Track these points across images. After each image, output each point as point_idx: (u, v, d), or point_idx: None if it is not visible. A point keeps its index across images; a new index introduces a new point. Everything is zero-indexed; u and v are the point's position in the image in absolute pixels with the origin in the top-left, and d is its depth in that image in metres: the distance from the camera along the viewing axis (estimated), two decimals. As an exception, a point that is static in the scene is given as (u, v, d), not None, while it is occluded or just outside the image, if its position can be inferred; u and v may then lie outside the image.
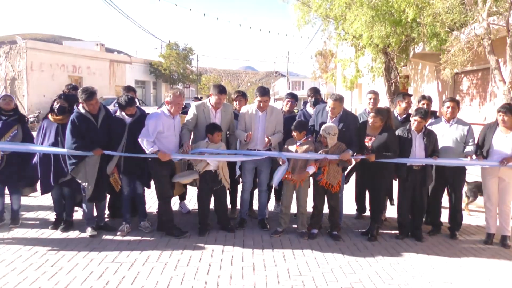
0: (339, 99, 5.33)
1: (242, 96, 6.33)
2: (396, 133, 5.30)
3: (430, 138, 5.21)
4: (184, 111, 5.81)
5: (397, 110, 5.92)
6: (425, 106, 5.74)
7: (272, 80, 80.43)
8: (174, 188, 5.62)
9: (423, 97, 6.01)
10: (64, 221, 5.45)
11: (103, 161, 5.14)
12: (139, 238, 5.13)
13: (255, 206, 6.11)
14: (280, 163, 5.26)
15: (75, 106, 5.16)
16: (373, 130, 5.26)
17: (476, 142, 5.36)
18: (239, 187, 6.02)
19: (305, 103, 6.87)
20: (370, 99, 5.99)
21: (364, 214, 6.29)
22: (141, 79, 35.73)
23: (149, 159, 5.09)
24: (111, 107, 5.81)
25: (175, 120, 5.20)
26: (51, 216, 5.79)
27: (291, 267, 4.36)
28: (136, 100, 5.75)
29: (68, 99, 5.38)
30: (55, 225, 5.44)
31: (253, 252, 4.77)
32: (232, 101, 6.43)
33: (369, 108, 5.95)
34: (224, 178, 5.38)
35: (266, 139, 5.36)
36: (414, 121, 5.18)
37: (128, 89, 6.05)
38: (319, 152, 5.13)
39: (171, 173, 5.34)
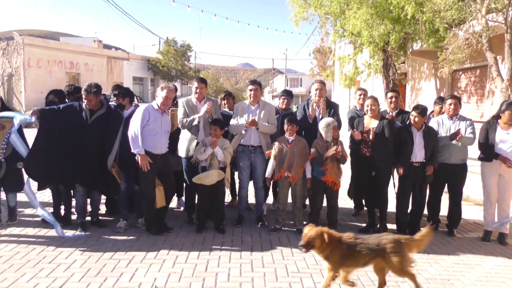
0: (323, 82, 5.89)
1: (230, 96, 6.69)
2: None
3: (429, 135, 5.21)
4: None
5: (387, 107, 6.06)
6: (416, 119, 5.31)
7: (270, 77, 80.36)
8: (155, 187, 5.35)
9: (417, 108, 5.75)
10: (61, 216, 5.49)
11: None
12: (136, 235, 5.12)
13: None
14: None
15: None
16: (371, 120, 5.33)
17: (478, 139, 5.33)
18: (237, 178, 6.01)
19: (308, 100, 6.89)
20: (360, 95, 6.37)
21: (362, 211, 6.31)
22: (139, 75, 35.61)
23: (138, 157, 5.03)
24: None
25: (163, 116, 5.16)
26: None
27: (289, 264, 4.36)
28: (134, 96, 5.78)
29: (59, 94, 5.60)
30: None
31: (251, 249, 4.77)
32: (221, 100, 6.66)
33: (359, 104, 6.28)
34: (226, 178, 5.42)
35: (251, 118, 5.39)
36: (412, 116, 5.23)
37: (116, 87, 5.97)
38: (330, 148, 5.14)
39: (163, 174, 5.23)
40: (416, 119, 5.18)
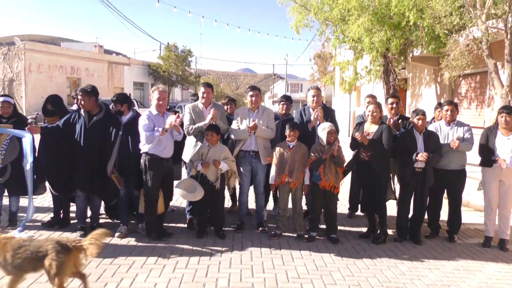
0: (319, 88, 5.98)
1: (232, 101, 6.87)
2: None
3: (430, 138, 5.26)
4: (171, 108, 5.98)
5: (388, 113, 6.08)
6: (420, 121, 5.36)
7: (271, 83, 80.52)
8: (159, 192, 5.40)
9: (420, 111, 5.79)
10: (59, 219, 5.57)
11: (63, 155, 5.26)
12: (137, 240, 5.12)
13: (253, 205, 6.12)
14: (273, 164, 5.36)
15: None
16: (371, 125, 5.36)
17: (479, 145, 5.35)
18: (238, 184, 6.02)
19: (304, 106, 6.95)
20: (369, 102, 6.23)
21: (357, 213, 6.47)
22: (139, 81, 35.76)
23: (144, 160, 5.06)
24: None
25: (165, 118, 5.17)
26: (49, 218, 5.77)
27: (289, 270, 4.36)
28: (134, 101, 5.85)
29: (55, 101, 5.60)
30: (50, 223, 5.54)
31: (252, 254, 4.77)
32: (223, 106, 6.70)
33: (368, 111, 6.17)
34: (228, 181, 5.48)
35: (253, 123, 5.39)
36: (417, 120, 5.29)
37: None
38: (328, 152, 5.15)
39: (165, 179, 5.26)
40: (421, 121, 5.27)
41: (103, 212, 6.04)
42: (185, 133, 5.53)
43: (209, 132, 5.27)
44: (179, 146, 5.61)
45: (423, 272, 4.43)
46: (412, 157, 5.13)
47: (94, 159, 5.22)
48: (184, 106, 7.11)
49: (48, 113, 5.55)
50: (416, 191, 5.32)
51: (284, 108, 6.18)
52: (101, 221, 5.68)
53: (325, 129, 5.20)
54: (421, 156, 5.06)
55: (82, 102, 5.22)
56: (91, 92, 5.24)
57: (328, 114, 5.75)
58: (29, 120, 5.48)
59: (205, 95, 5.61)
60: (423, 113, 5.32)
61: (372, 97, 6.44)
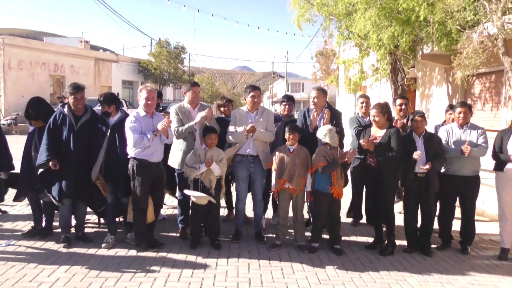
0: (322, 90, 5.89)
1: (230, 102, 6.84)
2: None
3: (430, 141, 5.29)
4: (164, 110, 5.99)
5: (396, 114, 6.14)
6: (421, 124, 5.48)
7: (270, 82, 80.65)
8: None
9: (417, 113, 5.70)
10: (41, 228, 5.55)
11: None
12: (125, 251, 5.12)
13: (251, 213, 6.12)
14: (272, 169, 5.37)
15: (60, 106, 5.29)
16: (378, 130, 5.37)
17: (492, 148, 5.39)
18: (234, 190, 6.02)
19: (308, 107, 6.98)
20: (362, 103, 6.48)
21: (361, 221, 6.51)
22: (128, 79, 35.75)
23: (132, 165, 5.07)
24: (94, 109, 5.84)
25: (154, 119, 5.17)
26: (29, 227, 5.75)
27: (290, 283, 4.35)
28: (123, 101, 5.86)
29: (35, 105, 5.54)
30: (31, 233, 5.50)
31: (249, 266, 4.76)
32: (220, 107, 6.79)
33: (362, 112, 6.41)
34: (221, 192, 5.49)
35: (250, 125, 5.33)
36: (415, 121, 5.34)
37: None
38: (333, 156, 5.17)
39: (156, 185, 5.27)
40: (419, 123, 5.31)
41: (88, 219, 6.04)
42: (175, 135, 5.49)
43: (213, 135, 5.28)
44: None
45: (434, 286, 4.43)
46: (412, 160, 5.17)
47: (82, 163, 5.21)
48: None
49: (31, 117, 5.50)
50: (421, 198, 5.34)
51: (286, 108, 6.19)
52: (86, 230, 5.67)
53: (332, 130, 5.20)
54: (416, 154, 5.10)
55: (81, 101, 5.20)
56: (83, 88, 5.27)
57: (333, 116, 5.73)
58: (8, 121, 5.48)
59: (195, 94, 5.59)
60: (422, 115, 5.36)
61: (365, 97, 6.56)
